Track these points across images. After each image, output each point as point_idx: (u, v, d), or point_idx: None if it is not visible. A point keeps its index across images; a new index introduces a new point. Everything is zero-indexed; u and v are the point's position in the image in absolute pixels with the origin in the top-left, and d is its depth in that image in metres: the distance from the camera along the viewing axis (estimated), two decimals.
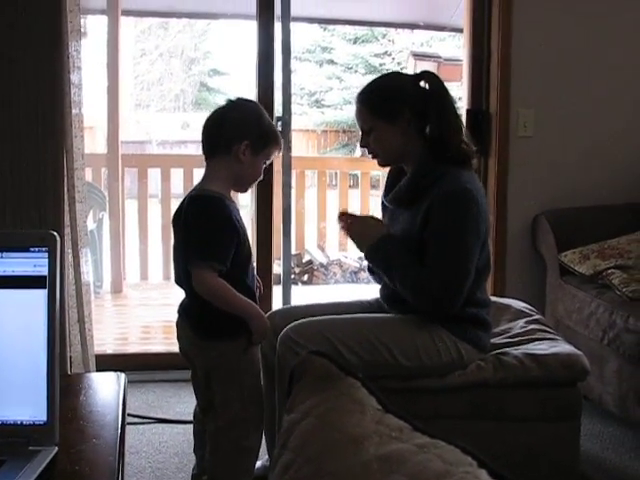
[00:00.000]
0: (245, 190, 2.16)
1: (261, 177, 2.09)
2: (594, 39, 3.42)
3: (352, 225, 2.24)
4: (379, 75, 2.36)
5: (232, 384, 2.02)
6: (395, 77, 2.32)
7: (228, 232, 1.94)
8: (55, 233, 1.18)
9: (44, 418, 1.16)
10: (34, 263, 1.17)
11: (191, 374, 2.16)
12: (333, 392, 0.75)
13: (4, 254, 1.17)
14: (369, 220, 2.28)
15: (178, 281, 2.06)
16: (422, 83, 2.22)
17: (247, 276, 2.02)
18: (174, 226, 2.06)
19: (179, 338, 2.11)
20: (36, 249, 1.17)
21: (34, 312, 1.17)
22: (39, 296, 1.17)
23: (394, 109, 2.17)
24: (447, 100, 2.18)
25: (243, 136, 1.99)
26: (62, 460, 1.15)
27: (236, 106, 2.08)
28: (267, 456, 2.38)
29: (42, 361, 1.16)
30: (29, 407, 1.16)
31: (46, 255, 1.17)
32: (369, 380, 2.18)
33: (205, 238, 1.91)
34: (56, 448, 1.15)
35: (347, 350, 2.07)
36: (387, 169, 2.43)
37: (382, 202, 2.38)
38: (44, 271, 1.17)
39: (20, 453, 1.12)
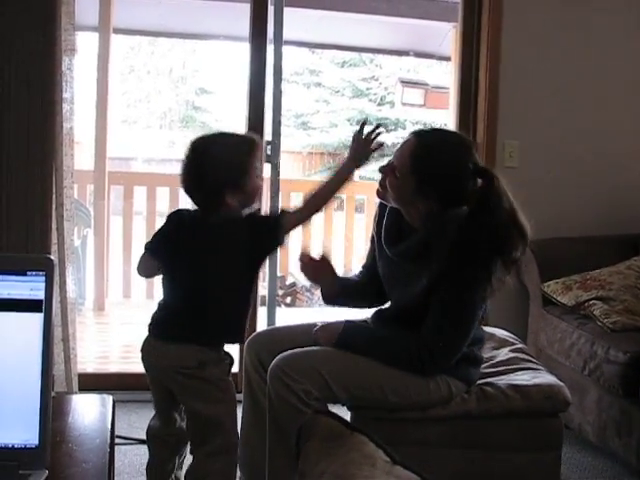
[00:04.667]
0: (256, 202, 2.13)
1: (261, 183, 2.12)
2: (581, 72, 3.50)
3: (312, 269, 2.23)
4: (451, 135, 2.29)
5: (224, 401, 2.04)
6: (460, 161, 2.06)
7: None
8: (52, 257, 1.20)
9: (36, 442, 1.17)
10: (31, 287, 1.18)
11: (160, 400, 2.14)
12: (343, 449, 0.77)
13: (1, 277, 1.19)
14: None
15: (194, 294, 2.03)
16: (479, 181, 2.06)
17: None
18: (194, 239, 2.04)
19: (159, 358, 2.06)
20: (33, 273, 1.18)
21: (29, 335, 1.18)
22: (35, 320, 1.18)
23: (431, 191, 2.04)
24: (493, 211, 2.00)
25: (224, 187, 1.99)
26: None
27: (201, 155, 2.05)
28: None
29: (35, 385, 1.17)
30: (21, 430, 1.17)
31: (43, 279, 1.18)
32: (353, 408, 2.18)
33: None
34: (46, 472, 1.16)
35: (339, 388, 2.06)
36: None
37: (372, 237, 2.31)
38: (40, 295, 1.18)
39: (11, 477, 1.13)
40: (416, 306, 2.10)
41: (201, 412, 2.04)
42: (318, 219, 6.20)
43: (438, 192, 2.04)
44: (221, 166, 1.99)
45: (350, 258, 6.50)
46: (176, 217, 2.09)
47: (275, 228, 2.02)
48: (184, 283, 2.03)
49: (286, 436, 2.04)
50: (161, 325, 2.06)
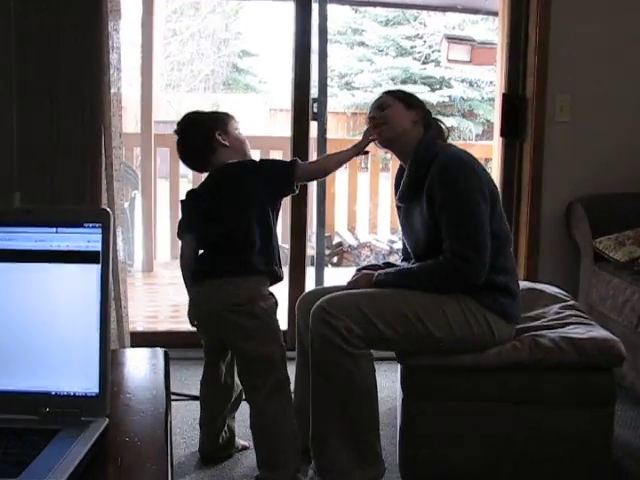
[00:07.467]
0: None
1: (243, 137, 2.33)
2: (634, 24, 3.38)
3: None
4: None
5: (272, 340, 2.18)
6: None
7: None
8: (108, 209, 1.21)
9: (96, 390, 1.18)
10: (88, 239, 1.19)
11: (209, 350, 2.32)
12: None
13: (59, 229, 1.20)
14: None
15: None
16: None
17: None
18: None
19: (211, 299, 2.20)
20: (90, 225, 1.19)
21: (87, 286, 1.19)
22: (92, 271, 1.19)
23: (413, 102, 2.34)
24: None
25: (213, 130, 2.26)
26: (113, 431, 1.18)
27: (186, 123, 2.34)
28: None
29: (94, 335, 1.19)
30: (82, 379, 1.19)
31: (100, 231, 1.19)
32: (406, 356, 2.24)
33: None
34: (107, 419, 1.18)
35: (381, 322, 2.10)
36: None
37: (397, 205, 2.44)
38: (97, 247, 1.19)
39: (73, 423, 1.15)
40: (430, 242, 2.18)
41: (252, 352, 2.14)
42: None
43: (418, 108, 2.32)
44: (203, 123, 2.30)
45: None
46: (188, 196, 2.40)
47: (288, 175, 2.19)
48: (217, 231, 2.22)
49: (329, 376, 2.07)
50: (207, 265, 2.26)
